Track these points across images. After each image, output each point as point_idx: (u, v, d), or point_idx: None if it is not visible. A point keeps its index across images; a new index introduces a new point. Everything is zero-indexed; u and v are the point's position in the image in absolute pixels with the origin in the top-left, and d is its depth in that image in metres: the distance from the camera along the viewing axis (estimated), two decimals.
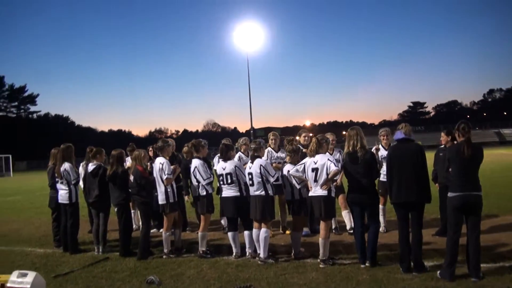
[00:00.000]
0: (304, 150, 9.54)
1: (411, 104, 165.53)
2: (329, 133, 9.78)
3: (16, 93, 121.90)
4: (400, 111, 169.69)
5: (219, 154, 8.97)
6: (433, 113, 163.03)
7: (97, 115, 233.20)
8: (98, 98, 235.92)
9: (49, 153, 10.03)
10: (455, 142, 6.99)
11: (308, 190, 7.79)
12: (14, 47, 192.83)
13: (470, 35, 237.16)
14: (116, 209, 9.00)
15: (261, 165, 7.95)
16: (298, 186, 8.02)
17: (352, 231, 9.64)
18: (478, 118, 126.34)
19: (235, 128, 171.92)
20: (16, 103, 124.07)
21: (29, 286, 4.54)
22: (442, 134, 9.31)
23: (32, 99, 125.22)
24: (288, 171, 8.03)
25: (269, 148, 9.94)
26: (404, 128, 7.37)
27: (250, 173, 8.07)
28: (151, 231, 9.94)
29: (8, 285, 4.62)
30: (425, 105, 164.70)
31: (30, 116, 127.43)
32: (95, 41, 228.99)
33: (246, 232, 8.31)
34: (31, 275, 4.64)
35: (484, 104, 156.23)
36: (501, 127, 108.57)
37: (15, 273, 4.69)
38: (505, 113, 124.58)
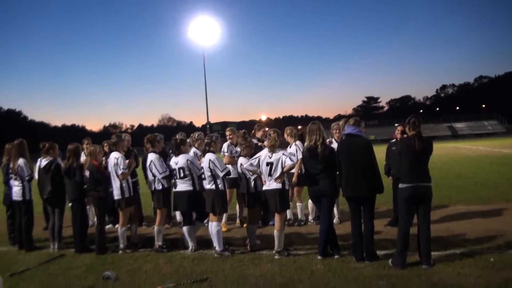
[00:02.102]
0: (260, 144, 9.65)
1: (365, 99, 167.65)
2: (289, 127, 10.00)
3: None
4: (355, 106, 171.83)
5: (171, 149, 8.95)
6: (387, 108, 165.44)
7: (50, 110, 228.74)
8: (50, 93, 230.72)
9: (2, 149, 9.82)
10: (405, 135, 7.18)
11: (262, 183, 7.90)
12: None
13: (423, 31, 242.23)
14: (70, 205, 8.91)
15: (210, 159, 7.99)
16: (252, 178, 8.11)
17: (312, 221, 10.03)
18: (431, 112, 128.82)
19: (191, 122, 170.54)
20: None
21: None
22: (398, 128, 9.52)
23: None
24: (241, 164, 8.13)
25: (228, 142, 10.00)
26: (352, 121, 7.51)
27: (202, 167, 8.13)
28: (107, 226, 9.88)
29: None
30: (379, 100, 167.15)
31: None
32: (47, 34, 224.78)
33: (197, 223, 8.48)
34: None
35: (437, 99, 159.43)
36: (454, 121, 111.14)
37: None
38: (457, 108, 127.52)
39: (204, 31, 58.76)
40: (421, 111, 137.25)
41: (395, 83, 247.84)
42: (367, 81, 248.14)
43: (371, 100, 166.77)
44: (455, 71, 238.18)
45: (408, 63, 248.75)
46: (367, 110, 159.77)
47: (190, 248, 8.32)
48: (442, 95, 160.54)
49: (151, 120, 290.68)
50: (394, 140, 9.81)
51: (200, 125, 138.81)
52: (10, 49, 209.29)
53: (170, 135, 9.74)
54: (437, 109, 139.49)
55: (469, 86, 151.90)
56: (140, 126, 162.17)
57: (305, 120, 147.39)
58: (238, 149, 9.45)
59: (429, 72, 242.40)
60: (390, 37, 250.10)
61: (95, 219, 9.06)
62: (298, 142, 9.75)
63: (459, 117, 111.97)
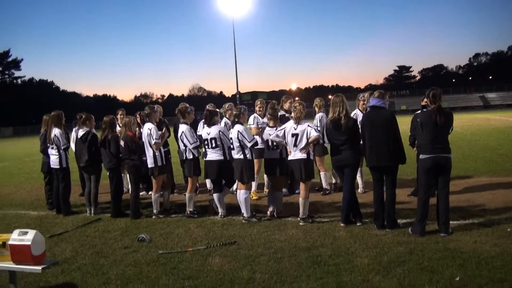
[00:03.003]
0: (287, 115, 9.90)
1: (397, 68, 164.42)
2: (318, 98, 10.27)
3: None
4: (386, 75, 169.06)
5: (203, 120, 9.29)
6: (419, 77, 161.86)
7: (82, 80, 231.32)
8: (82, 63, 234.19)
9: (38, 118, 10.27)
10: (425, 109, 7.35)
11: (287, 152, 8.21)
12: None
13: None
14: (108, 173, 9.36)
15: (238, 131, 8.29)
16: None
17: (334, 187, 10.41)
18: (464, 82, 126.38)
19: (221, 92, 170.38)
20: (0, 68, 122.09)
21: (29, 242, 4.77)
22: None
23: (16, 64, 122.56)
24: (269, 134, 8.42)
25: (255, 114, 10.24)
26: (377, 94, 7.71)
27: (231, 138, 8.45)
28: (141, 193, 10.27)
29: (10, 242, 4.88)
30: (411, 69, 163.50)
31: (14, 81, 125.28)
32: (79, 5, 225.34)
33: (226, 190, 8.81)
34: (31, 233, 4.87)
35: (469, 68, 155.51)
36: (486, 92, 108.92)
37: (16, 231, 4.92)
38: (490, 77, 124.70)
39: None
40: (453, 80, 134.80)
41: (427, 52, 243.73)
42: (399, 50, 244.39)
43: (403, 70, 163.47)
44: (489, 39, 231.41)
45: (440, 31, 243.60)
46: (399, 80, 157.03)
47: (220, 214, 8.71)
48: (475, 63, 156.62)
49: (181, 90, 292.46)
50: (419, 112, 9.97)
51: (230, 95, 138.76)
52: (41, 20, 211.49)
53: (201, 105, 10.05)
54: (470, 78, 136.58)
55: (502, 54, 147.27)
56: (171, 96, 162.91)
57: (336, 89, 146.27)
58: (264, 120, 9.73)
59: (462, 40, 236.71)
60: (422, 5, 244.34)
61: (129, 186, 9.51)
62: (318, 115, 10.09)
63: (491, 87, 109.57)
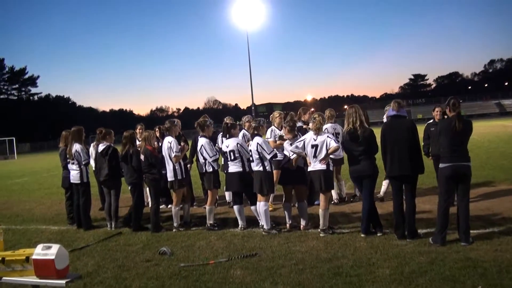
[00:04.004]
0: (304, 126, 9.95)
1: (412, 77, 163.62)
2: (328, 109, 10.34)
3: (16, 75, 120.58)
4: (401, 84, 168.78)
5: (222, 133, 9.35)
6: (434, 85, 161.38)
7: (98, 95, 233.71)
8: (98, 78, 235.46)
9: (55, 134, 10.41)
10: (446, 116, 7.35)
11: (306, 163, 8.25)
12: (13, 29, 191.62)
13: (470, 6, 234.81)
14: (130, 187, 9.42)
15: (257, 143, 8.34)
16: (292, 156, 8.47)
17: (352, 199, 10.51)
18: (479, 89, 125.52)
19: (236, 104, 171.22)
20: (17, 86, 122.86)
21: (53, 257, 4.79)
22: (437, 109, 9.79)
23: (33, 81, 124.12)
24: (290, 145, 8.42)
25: (273, 127, 10.17)
26: (393, 105, 7.67)
27: (251, 150, 8.50)
28: (161, 207, 10.31)
29: (34, 257, 4.92)
30: (426, 78, 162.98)
31: (31, 98, 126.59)
32: (93, 21, 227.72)
33: (252, 207, 8.76)
34: (55, 247, 4.87)
35: (485, 75, 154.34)
36: (502, 98, 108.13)
37: (40, 246, 4.93)
38: (506, 84, 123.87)
39: (248, 12, 58.78)
40: (469, 87, 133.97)
41: (442, 59, 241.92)
42: (414, 58, 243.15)
43: (418, 78, 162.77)
44: (504, 45, 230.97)
45: (455, 38, 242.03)
46: (414, 88, 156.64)
47: (240, 226, 8.74)
48: (490, 70, 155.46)
49: (197, 103, 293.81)
50: (432, 121, 10.07)
51: (245, 107, 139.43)
52: (56, 36, 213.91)
53: (217, 118, 10.14)
54: (485, 85, 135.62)
55: None
56: (186, 109, 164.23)
57: (351, 100, 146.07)
58: (281, 132, 9.72)
59: (476, 47, 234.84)
60: (437, 12, 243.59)
61: (149, 199, 9.59)
62: (328, 125, 10.15)
63: (507, 94, 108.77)
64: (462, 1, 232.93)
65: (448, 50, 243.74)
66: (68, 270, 5.03)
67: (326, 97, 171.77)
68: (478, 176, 12.23)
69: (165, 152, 9.04)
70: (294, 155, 8.40)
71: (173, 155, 8.87)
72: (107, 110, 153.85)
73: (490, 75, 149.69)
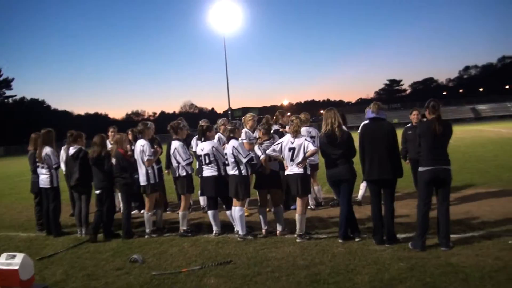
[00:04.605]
0: (281, 129, 9.79)
1: (388, 82, 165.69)
2: (303, 113, 10.18)
3: None
4: (377, 89, 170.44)
5: (197, 136, 9.14)
6: (409, 91, 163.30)
7: (73, 98, 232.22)
8: (73, 81, 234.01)
9: (27, 138, 10.06)
10: (425, 119, 7.24)
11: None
12: None
13: (446, 13, 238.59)
14: (99, 192, 9.09)
15: (233, 146, 8.13)
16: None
17: (331, 203, 10.35)
18: (455, 95, 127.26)
19: (213, 109, 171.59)
20: None
21: (17, 266, 4.61)
22: (414, 113, 9.74)
23: (7, 84, 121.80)
24: (260, 147, 8.31)
25: (245, 129, 10.01)
26: (373, 107, 7.55)
27: (226, 154, 8.28)
28: (132, 212, 10.11)
29: None
30: (401, 83, 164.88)
31: (6, 101, 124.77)
32: (68, 23, 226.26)
33: (227, 212, 8.55)
34: (19, 257, 4.70)
35: (460, 81, 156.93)
36: (476, 103, 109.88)
37: (4, 255, 4.75)
38: (480, 90, 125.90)
39: (225, 16, 58.68)
40: (444, 93, 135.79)
41: (417, 65, 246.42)
42: (389, 64, 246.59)
43: (394, 83, 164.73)
44: (478, 52, 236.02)
45: (430, 44, 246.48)
46: (390, 93, 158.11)
47: (214, 232, 8.51)
48: (465, 76, 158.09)
49: (173, 107, 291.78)
50: (410, 125, 10.01)
51: (221, 111, 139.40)
52: (31, 39, 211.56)
53: (192, 122, 9.92)
54: (460, 91, 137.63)
55: (492, 66, 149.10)
56: (162, 113, 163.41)
57: (327, 104, 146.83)
58: (255, 135, 9.60)
59: (451, 53, 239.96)
60: (412, 19, 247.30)
61: (121, 205, 9.30)
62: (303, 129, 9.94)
63: (482, 99, 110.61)
64: (438, 8, 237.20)
65: (423, 56, 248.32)
66: (33, 280, 4.87)
67: (302, 102, 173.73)
68: (456, 180, 12.13)
69: (137, 155, 8.78)
70: (263, 156, 8.23)
71: (145, 158, 8.63)
72: (82, 113, 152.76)
73: (465, 81, 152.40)
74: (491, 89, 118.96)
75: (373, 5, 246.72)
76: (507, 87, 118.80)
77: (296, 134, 7.86)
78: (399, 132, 8.59)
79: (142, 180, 8.76)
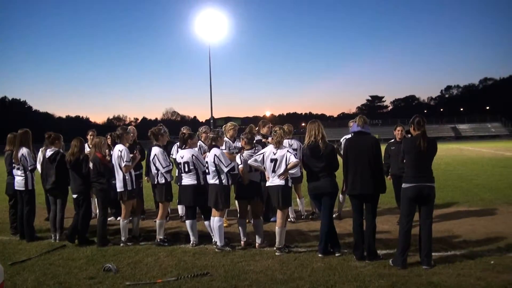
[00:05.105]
0: (264, 140, 9.66)
1: (370, 98, 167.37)
2: (286, 124, 10.06)
3: None
4: (359, 104, 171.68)
5: (178, 143, 8.96)
6: (391, 107, 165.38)
7: (55, 100, 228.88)
8: (55, 84, 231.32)
9: (6, 138, 9.80)
10: (409, 135, 7.16)
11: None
12: None
13: (429, 32, 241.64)
14: (75, 196, 8.87)
15: (215, 154, 7.97)
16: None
17: (312, 216, 10.24)
18: (435, 113, 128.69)
19: (195, 117, 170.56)
20: None
21: None
22: (398, 128, 9.69)
23: None
24: (241, 156, 8.17)
25: (226, 139, 9.83)
26: (358, 120, 7.47)
27: (207, 162, 8.12)
28: (109, 219, 9.89)
29: None
30: (383, 99, 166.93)
31: None
32: (52, 24, 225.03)
33: (205, 222, 8.40)
34: None
35: (441, 99, 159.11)
36: (457, 123, 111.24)
37: None
38: (461, 109, 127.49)
39: (210, 25, 58.80)
40: (425, 111, 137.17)
41: (399, 82, 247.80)
42: (372, 80, 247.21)
43: (376, 99, 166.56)
44: (460, 72, 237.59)
45: (413, 63, 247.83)
46: (371, 109, 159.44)
47: (192, 242, 8.33)
48: (447, 95, 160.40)
49: (155, 113, 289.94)
50: (393, 140, 9.95)
51: (204, 120, 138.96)
52: (14, 40, 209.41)
53: (174, 129, 9.75)
54: (441, 109, 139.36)
55: (473, 87, 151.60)
56: (144, 119, 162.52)
57: (309, 117, 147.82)
58: (235, 144, 9.50)
59: (434, 72, 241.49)
60: (396, 36, 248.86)
61: (97, 211, 9.08)
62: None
63: (463, 119, 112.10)
64: (421, 26, 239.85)
65: (406, 74, 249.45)
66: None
67: (285, 114, 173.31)
68: (437, 198, 11.91)
69: (115, 160, 8.57)
70: (241, 166, 8.09)
71: (123, 164, 8.43)
72: (64, 116, 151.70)
73: (446, 100, 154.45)
74: (472, 109, 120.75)
75: (358, 21, 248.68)
76: (487, 107, 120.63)
77: (278, 145, 7.73)
78: (383, 148, 8.52)
79: (119, 186, 8.54)
